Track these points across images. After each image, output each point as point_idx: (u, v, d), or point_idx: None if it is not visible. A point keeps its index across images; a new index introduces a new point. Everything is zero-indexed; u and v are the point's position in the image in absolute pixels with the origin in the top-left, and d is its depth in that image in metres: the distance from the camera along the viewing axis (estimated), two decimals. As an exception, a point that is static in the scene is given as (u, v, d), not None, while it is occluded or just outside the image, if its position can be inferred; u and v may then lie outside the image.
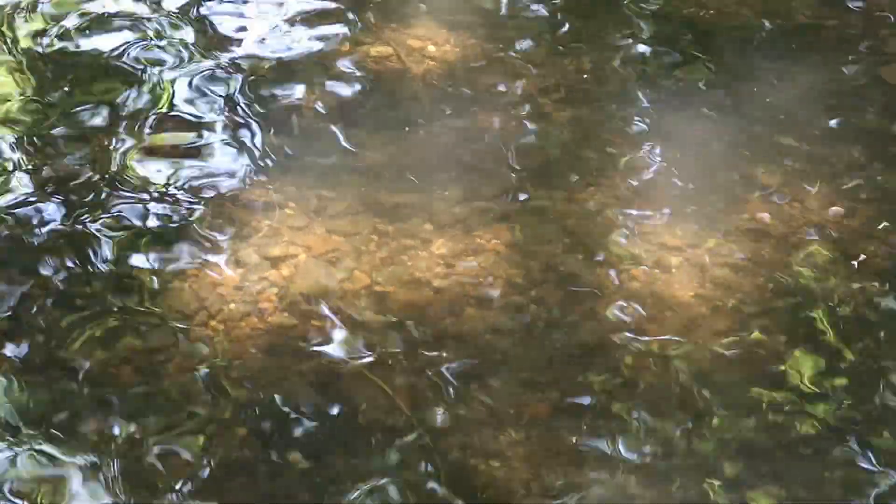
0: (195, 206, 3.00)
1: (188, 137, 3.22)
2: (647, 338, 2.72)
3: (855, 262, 2.91)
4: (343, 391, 2.57)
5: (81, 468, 2.42)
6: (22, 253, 2.87)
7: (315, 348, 2.65)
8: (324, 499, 2.38)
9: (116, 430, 2.49)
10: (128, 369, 2.59)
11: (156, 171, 3.14)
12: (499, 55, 3.47)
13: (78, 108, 3.33)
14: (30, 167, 3.13)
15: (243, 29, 3.60)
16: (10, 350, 2.64)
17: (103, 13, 3.62)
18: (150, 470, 2.42)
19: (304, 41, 3.53)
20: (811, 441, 2.53)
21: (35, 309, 2.73)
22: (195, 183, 3.08)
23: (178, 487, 2.38)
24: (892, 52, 3.53)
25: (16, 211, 2.99)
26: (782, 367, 2.66)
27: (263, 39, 3.53)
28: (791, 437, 2.53)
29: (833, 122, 3.31)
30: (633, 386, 2.64)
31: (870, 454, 2.49)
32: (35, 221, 2.97)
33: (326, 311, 2.73)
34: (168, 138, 3.24)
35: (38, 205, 3.02)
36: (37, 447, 2.45)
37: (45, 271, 2.83)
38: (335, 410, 2.54)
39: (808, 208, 3.03)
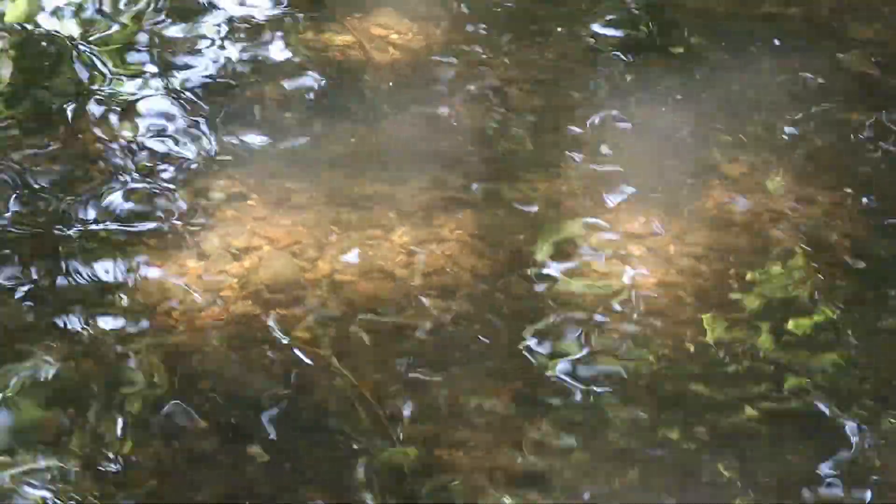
0: (157, 196, 2.99)
1: (151, 127, 3.20)
2: (609, 326, 2.73)
3: (816, 251, 2.93)
4: (307, 382, 2.57)
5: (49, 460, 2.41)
6: None
7: (278, 339, 2.65)
8: (285, 492, 2.38)
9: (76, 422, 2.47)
10: (89, 361, 2.58)
11: (118, 160, 3.11)
12: (463, 45, 3.48)
13: (40, 98, 3.32)
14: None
15: (206, 21, 3.58)
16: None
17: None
18: (112, 463, 2.40)
19: (267, 31, 3.52)
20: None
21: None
22: (158, 173, 3.07)
23: (141, 480, 2.36)
24: (856, 40, 3.54)
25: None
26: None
27: (227, 30, 3.52)
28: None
29: (797, 111, 3.31)
30: (595, 376, 2.64)
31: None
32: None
33: (290, 302, 2.73)
34: (130, 127, 3.21)
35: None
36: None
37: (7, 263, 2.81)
38: (299, 401, 2.54)
39: (770, 197, 3.05)
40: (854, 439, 2.53)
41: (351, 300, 2.75)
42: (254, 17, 3.57)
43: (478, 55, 3.44)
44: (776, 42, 3.55)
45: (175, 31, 3.56)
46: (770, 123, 3.27)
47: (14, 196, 2.99)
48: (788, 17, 3.64)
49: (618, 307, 2.77)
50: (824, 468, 2.48)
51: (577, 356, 2.67)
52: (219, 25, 3.55)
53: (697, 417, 2.55)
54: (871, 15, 3.67)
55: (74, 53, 3.46)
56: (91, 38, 3.54)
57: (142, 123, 3.24)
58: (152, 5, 3.63)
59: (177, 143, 3.16)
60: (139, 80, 3.38)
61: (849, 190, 3.08)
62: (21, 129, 3.20)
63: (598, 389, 2.60)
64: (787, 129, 3.25)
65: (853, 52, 3.50)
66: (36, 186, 3.02)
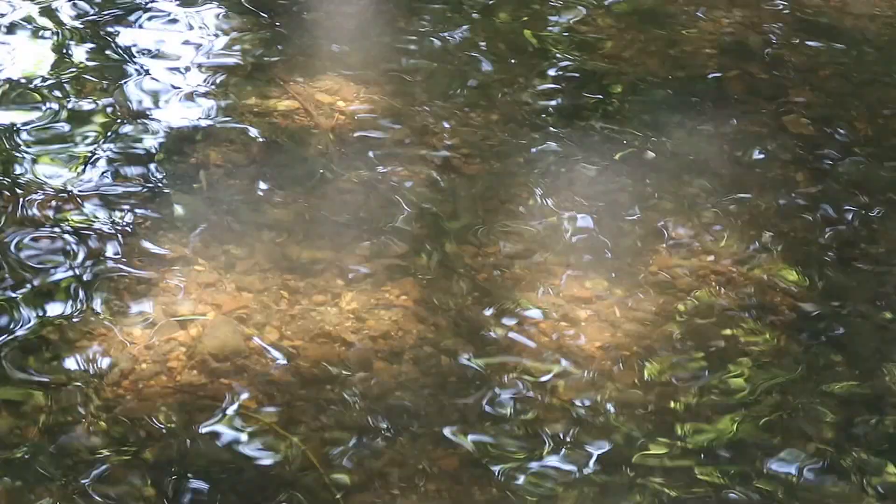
0: (103, 261, 2.98)
1: (96, 190, 3.19)
2: (556, 389, 2.73)
3: (761, 312, 2.95)
4: (255, 449, 2.56)
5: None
6: None
7: (224, 406, 2.64)
8: None
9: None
10: (34, 430, 2.55)
11: (63, 223, 3.09)
12: (408, 110, 3.48)
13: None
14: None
15: (154, 86, 3.57)
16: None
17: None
18: None
19: (210, 97, 3.51)
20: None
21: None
22: (103, 237, 3.05)
23: None
24: (794, 102, 3.57)
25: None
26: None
27: (173, 95, 3.51)
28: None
29: (739, 172, 3.34)
30: (540, 439, 2.64)
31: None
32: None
33: (236, 369, 2.72)
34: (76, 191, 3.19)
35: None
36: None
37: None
38: (246, 466, 2.52)
39: (715, 258, 3.07)
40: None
41: (299, 366, 2.74)
42: (198, 83, 3.56)
43: (423, 121, 3.45)
44: (717, 106, 3.57)
45: (118, 96, 3.54)
46: (712, 186, 3.28)
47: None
48: (729, 81, 3.68)
49: (562, 370, 2.77)
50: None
51: (524, 418, 2.67)
52: (162, 91, 3.55)
53: (645, 478, 2.56)
54: (807, 78, 3.71)
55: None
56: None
57: (85, 189, 3.22)
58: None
59: (121, 208, 3.15)
60: (85, 138, 3.37)
61: (791, 249, 3.10)
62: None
63: (543, 454, 2.60)
64: (729, 191, 3.27)
65: (791, 113, 3.53)
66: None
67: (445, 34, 3.79)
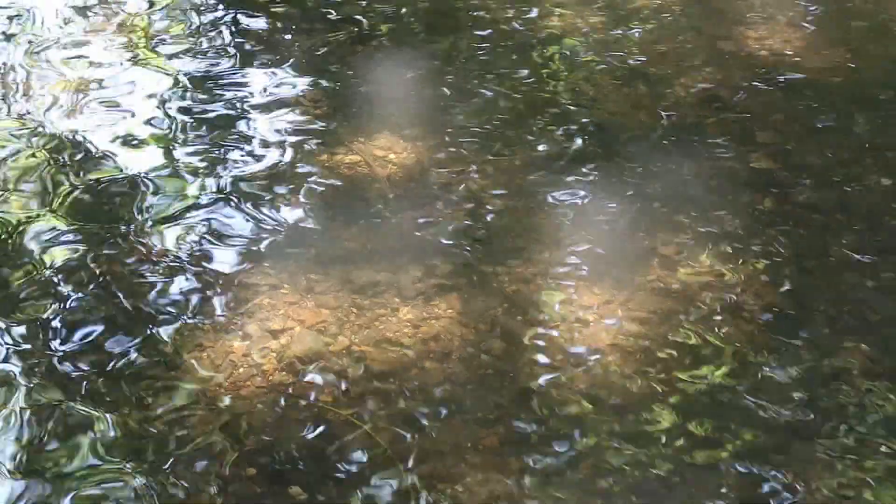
0: (211, 290, 2.99)
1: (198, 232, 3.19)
2: (574, 378, 2.74)
3: (735, 310, 2.94)
4: (333, 434, 2.57)
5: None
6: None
7: (308, 400, 2.65)
8: None
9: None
10: (151, 427, 2.58)
11: (174, 262, 3.07)
12: (447, 160, 3.47)
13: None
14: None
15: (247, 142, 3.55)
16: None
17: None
18: None
19: (289, 153, 3.49)
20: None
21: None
22: (209, 271, 3.05)
23: None
24: (760, 143, 3.54)
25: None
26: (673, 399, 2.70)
27: (258, 155, 3.50)
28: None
29: (716, 200, 3.30)
30: (564, 419, 2.65)
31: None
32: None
33: (316, 371, 2.73)
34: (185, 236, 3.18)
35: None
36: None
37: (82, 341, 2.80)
38: (327, 450, 2.54)
39: (698, 272, 3.05)
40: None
41: (367, 366, 2.75)
42: (281, 141, 3.55)
43: (459, 167, 3.43)
44: (697, 148, 3.53)
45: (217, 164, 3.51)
46: (695, 213, 3.25)
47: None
48: (706, 127, 3.63)
49: (577, 362, 2.77)
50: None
51: (549, 402, 2.67)
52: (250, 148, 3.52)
53: (657, 448, 2.56)
54: (770, 123, 3.68)
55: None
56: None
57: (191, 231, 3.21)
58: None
59: (224, 244, 3.15)
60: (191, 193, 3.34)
61: (760, 262, 3.08)
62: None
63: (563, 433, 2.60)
64: (709, 216, 3.24)
65: (755, 152, 3.51)
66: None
67: (476, 95, 3.76)
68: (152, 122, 3.64)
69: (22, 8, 4.27)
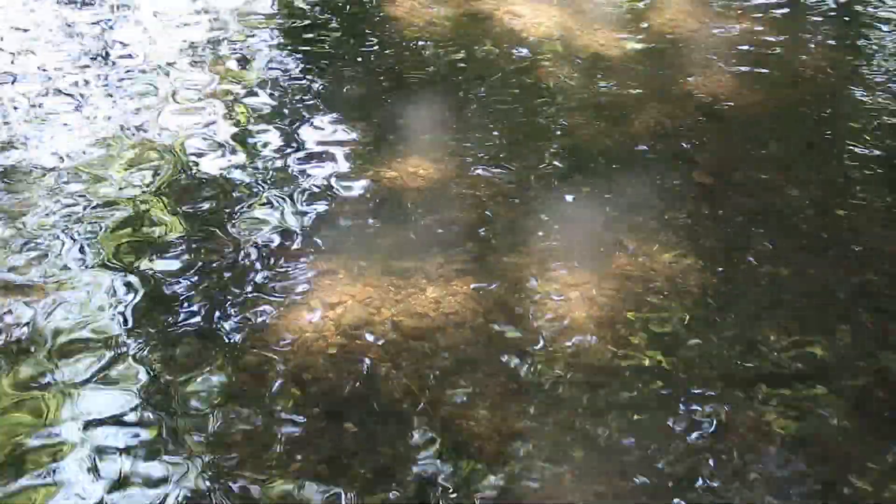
0: (285, 276, 2.98)
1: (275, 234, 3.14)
2: (557, 338, 2.75)
3: (680, 286, 2.95)
4: (377, 382, 2.59)
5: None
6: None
7: (358, 357, 2.67)
8: (368, 451, 2.40)
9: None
10: (241, 378, 2.59)
11: (259, 252, 3.04)
12: (462, 175, 3.45)
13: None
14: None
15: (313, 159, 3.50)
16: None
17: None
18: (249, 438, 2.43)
19: (343, 170, 3.46)
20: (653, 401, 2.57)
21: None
22: (283, 256, 3.04)
23: (276, 450, 2.39)
24: (698, 163, 3.53)
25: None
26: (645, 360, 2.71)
27: (321, 172, 3.46)
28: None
29: (665, 206, 3.29)
30: (551, 370, 2.67)
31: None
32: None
33: (365, 334, 2.74)
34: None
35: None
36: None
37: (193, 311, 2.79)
38: (372, 394, 2.56)
39: (653, 260, 3.06)
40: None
41: (402, 331, 2.76)
42: (337, 161, 3.51)
43: (470, 181, 3.42)
44: (650, 167, 3.51)
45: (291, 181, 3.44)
46: (650, 215, 3.25)
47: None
48: (657, 151, 3.61)
49: (562, 327, 2.79)
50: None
51: (543, 358, 2.69)
52: (315, 166, 3.47)
53: (621, 391, 2.59)
54: (706, 146, 3.66)
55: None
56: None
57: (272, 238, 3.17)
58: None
59: (291, 242, 3.10)
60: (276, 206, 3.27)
61: (699, 253, 3.09)
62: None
63: (556, 378, 2.62)
64: (660, 218, 3.24)
65: (696, 170, 3.51)
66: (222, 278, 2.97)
67: (484, 128, 3.73)
68: (245, 150, 3.59)
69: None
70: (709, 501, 2.33)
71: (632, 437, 2.47)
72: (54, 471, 2.33)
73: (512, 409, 2.53)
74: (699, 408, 2.56)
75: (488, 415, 2.51)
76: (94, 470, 2.34)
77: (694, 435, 2.49)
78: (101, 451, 2.37)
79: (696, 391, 2.61)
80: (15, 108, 3.75)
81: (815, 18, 4.64)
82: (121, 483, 2.31)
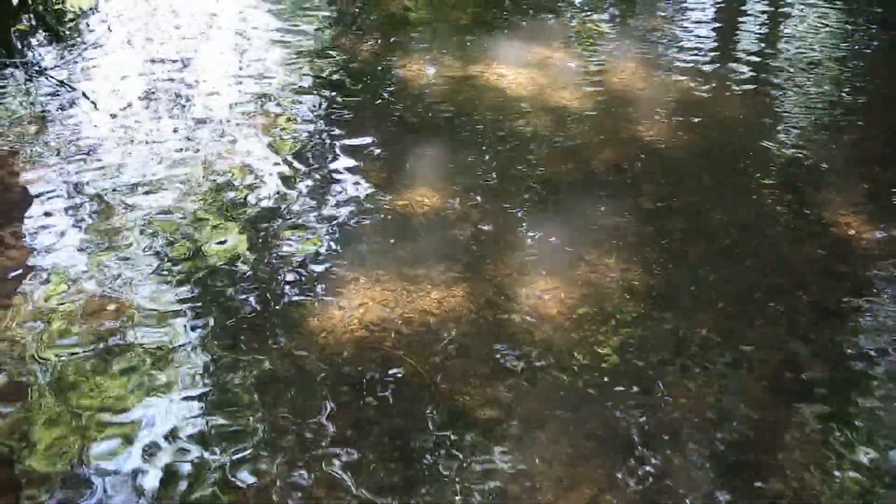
0: (319, 281, 2.95)
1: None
2: (537, 327, 2.75)
3: (627, 289, 2.94)
4: (392, 365, 2.58)
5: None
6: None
7: (379, 347, 2.66)
8: (385, 419, 2.40)
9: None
10: (286, 362, 2.57)
11: (297, 263, 2.99)
12: (459, 202, 3.42)
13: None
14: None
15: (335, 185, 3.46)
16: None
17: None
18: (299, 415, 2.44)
19: (364, 197, 3.41)
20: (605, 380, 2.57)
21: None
22: (322, 268, 3.00)
23: (314, 418, 2.39)
24: (644, 192, 3.49)
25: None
26: (604, 348, 2.72)
27: (346, 199, 3.40)
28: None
29: (615, 226, 3.26)
30: (530, 356, 2.67)
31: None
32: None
33: (383, 328, 2.73)
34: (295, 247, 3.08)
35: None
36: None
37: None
38: (387, 374, 2.55)
39: (608, 269, 3.04)
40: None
41: (413, 325, 2.75)
42: (359, 189, 3.47)
43: (466, 207, 3.39)
44: (605, 195, 3.47)
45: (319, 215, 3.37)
46: (606, 233, 3.22)
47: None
48: (612, 182, 3.57)
49: (539, 321, 2.77)
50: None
51: (523, 343, 2.67)
52: (340, 194, 3.41)
53: (587, 368, 2.58)
54: (650, 178, 3.60)
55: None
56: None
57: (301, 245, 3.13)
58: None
59: (324, 255, 3.06)
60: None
61: (645, 262, 3.07)
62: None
63: (536, 360, 2.63)
64: (615, 235, 3.22)
65: (642, 197, 3.49)
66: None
67: (476, 166, 3.69)
68: (286, 180, 3.53)
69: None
70: (649, 453, 2.33)
71: (593, 406, 2.48)
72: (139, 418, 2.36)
73: (498, 385, 2.52)
74: (644, 384, 2.57)
75: (480, 390, 2.50)
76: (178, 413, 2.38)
77: (638, 403, 2.49)
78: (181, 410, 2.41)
79: (641, 371, 2.62)
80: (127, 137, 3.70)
81: (735, 73, 4.61)
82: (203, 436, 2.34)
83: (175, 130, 3.85)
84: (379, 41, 4.77)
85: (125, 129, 3.83)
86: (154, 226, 3.18)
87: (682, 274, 3.04)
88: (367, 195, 3.45)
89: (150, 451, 2.29)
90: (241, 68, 4.49)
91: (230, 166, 3.59)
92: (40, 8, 4.94)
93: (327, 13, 5.19)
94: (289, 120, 4.00)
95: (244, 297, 2.87)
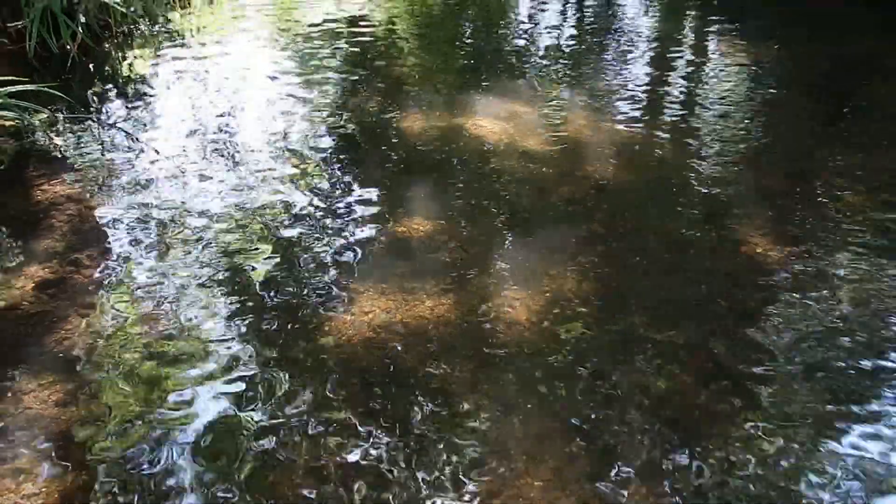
0: (330, 288, 2.94)
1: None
2: (510, 327, 2.75)
3: (586, 301, 2.92)
4: (394, 362, 2.58)
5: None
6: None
7: (384, 345, 2.66)
8: (388, 405, 2.40)
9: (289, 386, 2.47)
10: (310, 358, 2.58)
11: (314, 276, 2.99)
12: (447, 228, 3.39)
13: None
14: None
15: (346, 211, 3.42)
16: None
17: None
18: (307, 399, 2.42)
19: (367, 224, 3.39)
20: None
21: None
22: (336, 283, 2.96)
23: (329, 405, 2.38)
24: (596, 219, 3.43)
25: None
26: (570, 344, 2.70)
27: (354, 228, 3.37)
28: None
29: (578, 248, 3.24)
30: (504, 352, 2.66)
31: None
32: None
33: (388, 331, 2.73)
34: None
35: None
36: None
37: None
38: (390, 368, 2.55)
39: (567, 282, 3.02)
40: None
41: (409, 328, 2.76)
42: (364, 220, 3.41)
43: (453, 232, 3.36)
44: (562, 222, 3.44)
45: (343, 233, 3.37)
46: (564, 254, 3.20)
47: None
48: (570, 214, 3.54)
49: (512, 324, 2.77)
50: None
51: (501, 338, 2.68)
52: (349, 223, 3.38)
53: (552, 359, 2.57)
54: (600, 208, 3.54)
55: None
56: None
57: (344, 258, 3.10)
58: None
59: (337, 273, 3.05)
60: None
61: (599, 276, 3.05)
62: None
63: (516, 350, 2.61)
64: (572, 254, 3.20)
65: (593, 224, 3.45)
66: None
67: (461, 198, 3.65)
68: (306, 211, 3.50)
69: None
70: (602, 429, 2.35)
71: (557, 392, 2.49)
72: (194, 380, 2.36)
73: (479, 375, 2.52)
74: (597, 376, 2.58)
75: (465, 381, 2.50)
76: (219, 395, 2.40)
77: (593, 389, 2.51)
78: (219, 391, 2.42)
79: (596, 364, 2.63)
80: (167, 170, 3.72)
81: (663, 121, 4.61)
82: (232, 415, 2.34)
83: (221, 172, 3.87)
84: (382, 99, 4.79)
85: (180, 170, 3.86)
86: (204, 249, 3.20)
87: (626, 285, 3.05)
88: (371, 224, 3.44)
89: (204, 429, 2.33)
90: (273, 118, 4.51)
91: (265, 202, 3.61)
92: (109, 71, 5.01)
93: (342, 76, 5.20)
94: (312, 164, 4.00)
95: (275, 306, 2.88)
